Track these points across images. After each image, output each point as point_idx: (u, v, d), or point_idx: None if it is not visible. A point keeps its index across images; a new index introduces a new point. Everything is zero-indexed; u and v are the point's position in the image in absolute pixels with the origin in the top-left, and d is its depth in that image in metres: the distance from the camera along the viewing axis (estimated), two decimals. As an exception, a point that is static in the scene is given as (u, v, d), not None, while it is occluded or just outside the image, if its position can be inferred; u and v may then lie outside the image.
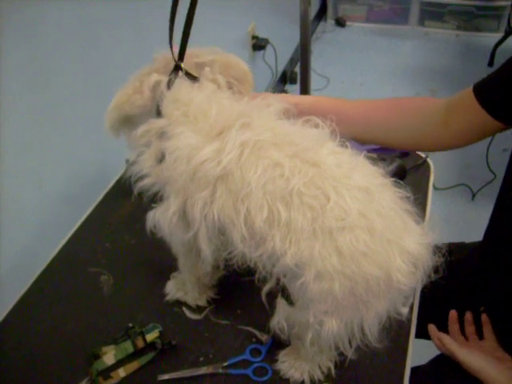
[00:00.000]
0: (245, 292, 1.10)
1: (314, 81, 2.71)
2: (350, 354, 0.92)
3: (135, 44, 1.48)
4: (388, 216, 0.82)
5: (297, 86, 3.20)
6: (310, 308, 0.83)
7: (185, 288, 1.09)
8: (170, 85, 0.92)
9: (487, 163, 2.52)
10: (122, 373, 0.98)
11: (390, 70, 3.72)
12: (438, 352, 1.14)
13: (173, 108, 0.88)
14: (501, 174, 1.11)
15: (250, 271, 0.88)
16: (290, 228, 0.77)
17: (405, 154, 1.48)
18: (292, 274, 0.83)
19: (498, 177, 2.48)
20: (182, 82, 0.92)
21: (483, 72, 1.07)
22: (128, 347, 0.99)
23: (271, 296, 0.90)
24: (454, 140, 1.06)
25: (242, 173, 0.79)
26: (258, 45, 2.70)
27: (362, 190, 0.80)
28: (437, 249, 0.86)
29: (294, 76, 3.38)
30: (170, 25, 0.93)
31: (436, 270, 0.86)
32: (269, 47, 2.79)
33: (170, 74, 0.94)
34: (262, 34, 2.74)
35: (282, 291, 0.88)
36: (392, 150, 1.46)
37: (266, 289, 0.90)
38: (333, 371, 0.97)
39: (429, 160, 1.46)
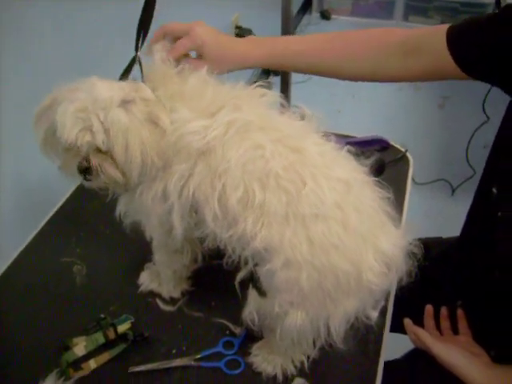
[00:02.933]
0: (220, 285, 1.08)
1: (296, 73, 2.70)
2: (313, 352, 0.92)
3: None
4: (365, 212, 0.82)
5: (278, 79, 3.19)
6: (276, 297, 0.83)
7: (159, 279, 1.08)
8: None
9: (467, 159, 2.53)
10: (92, 364, 0.97)
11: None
12: (412, 346, 1.14)
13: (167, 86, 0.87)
14: (481, 170, 1.11)
15: (220, 255, 0.88)
16: (264, 210, 0.77)
17: (384, 148, 1.48)
18: (260, 258, 0.82)
19: (477, 173, 2.49)
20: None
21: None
22: (99, 338, 0.97)
23: (245, 287, 0.89)
24: (409, 75, 1.03)
25: (224, 150, 0.79)
26: (241, 35, 2.67)
27: (342, 182, 0.80)
28: (412, 253, 0.86)
29: (278, 68, 3.36)
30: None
31: (409, 274, 0.86)
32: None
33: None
34: (245, 24, 2.71)
35: (253, 281, 0.87)
36: (371, 143, 1.46)
37: (239, 277, 0.89)
38: (306, 365, 0.96)
39: (408, 154, 1.46)
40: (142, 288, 1.10)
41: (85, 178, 0.85)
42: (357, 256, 0.79)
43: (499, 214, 0.99)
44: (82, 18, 1.47)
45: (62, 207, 1.31)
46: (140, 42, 0.92)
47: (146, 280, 1.10)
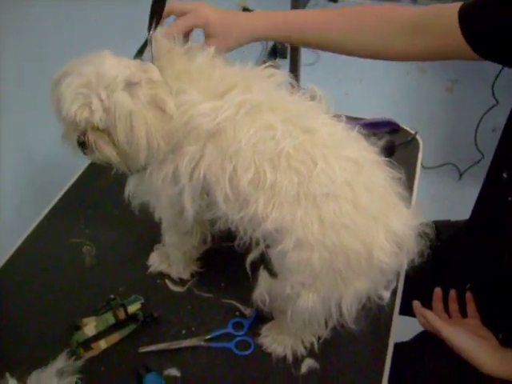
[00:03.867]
0: (229, 266, 1.08)
1: (305, 55, 2.68)
2: (325, 333, 0.92)
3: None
4: (376, 192, 0.81)
5: (287, 61, 3.16)
6: (287, 278, 0.83)
7: (168, 260, 1.08)
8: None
9: (475, 143, 2.51)
10: (103, 344, 0.97)
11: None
12: (421, 329, 1.14)
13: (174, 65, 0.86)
14: (489, 155, 1.10)
15: (231, 236, 0.88)
16: (275, 191, 0.77)
17: (394, 131, 1.46)
18: (272, 240, 0.82)
19: (486, 157, 2.48)
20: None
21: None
22: (109, 318, 0.97)
23: (256, 269, 0.89)
24: (416, 53, 1.02)
25: (235, 131, 0.79)
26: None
27: (352, 162, 0.80)
28: (423, 233, 0.85)
29: (284, 50, 3.33)
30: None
31: (421, 254, 0.86)
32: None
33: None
34: (252, 6, 2.69)
35: (264, 262, 0.87)
36: (381, 125, 1.45)
37: (250, 258, 0.89)
38: (316, 346, 0.96)
39: (418, 137, 1.45)
40: (152, 269, 1.10)
41: (82, 152, 0.87)
42: (368, 236, 0.79)
43: (509, 199, 0.98)
44: (82, 17, 1.46)
45: (70, 187, 1.31)
46: (154, 22, 0.91)
47: (156, 261, 1.10)
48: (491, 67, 2.16)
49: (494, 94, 2.25)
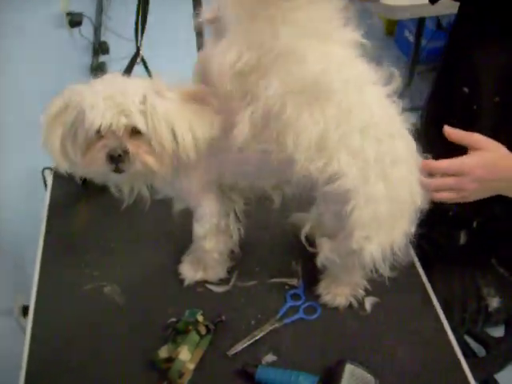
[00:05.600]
0: (255, 250, 1.15)
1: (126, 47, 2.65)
2: (387, 272, 1.03)
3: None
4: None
5: (109, 56, 3.10)
6: (353, 236, 0.92)
7: (201, 267, 1.10)
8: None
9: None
10: (190, 365, 0.97)
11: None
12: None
13: None
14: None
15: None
16: (359, 155, 0.84)
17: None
18: (339, 198, 0.89)
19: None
20: None
21: None
22: (194, 337, 0.98)
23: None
24: None
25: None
26: (75, 21, 2.54)
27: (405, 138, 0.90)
28: None
29: (105, 46, 3.24)
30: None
31: None
32: (86, 21, 2.63)
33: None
34: (76, 9, 2.58)
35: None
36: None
37: (304, 231, 0.98)
38: (368, 287, 1.08)
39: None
40: (188, 281, 1.11)
41: (116, 169, 0.85)
42: (412, 186, 0.90)
43: (474, 107, 1.11)
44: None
45: (46, 239, 1.22)
46: (140, 39, 0.91)
47: (190, 272, 1.11)
48: None
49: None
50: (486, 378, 1.92)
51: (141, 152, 0.84)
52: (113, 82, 0.84)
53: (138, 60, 0.90)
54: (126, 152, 0.83)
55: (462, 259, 1.26)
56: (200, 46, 1.71)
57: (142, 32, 0.91)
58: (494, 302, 1.25)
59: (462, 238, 1.10)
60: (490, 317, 1.26)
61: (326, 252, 0.97)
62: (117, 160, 0.83)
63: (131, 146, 0.83)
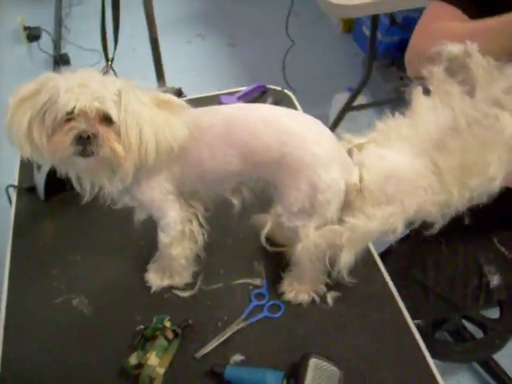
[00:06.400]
0: (219, 253, 1.18)
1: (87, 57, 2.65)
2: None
3: None
4: None
5: (70, 68, 3.09)
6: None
7: (167, 273, 1.12)
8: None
9: (286, 82, 2.77)
10: (160, 370, 0.99)
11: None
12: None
13: None
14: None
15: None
16: None
17: (264, 92, 1.62)
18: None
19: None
20: None
21: None
22: (163, 343, 1.00)
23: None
24: None
25: None
26: (33, 35, 2.54)
27: None
28: None
29: (66, 57, 3.23)
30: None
31: None
32: (44, 34, 2.63)
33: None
34: (33, 23, 2.57)
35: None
36: (254, 91, 1.60)
37: (264, 231, 1.02)
38: (329, 281, 1.12)
39: (286, 91, 1.63)
40: (155, 288, 1.13)
41: (82, 152, 0.86)
42: None
43: None
44: None
45: (13, 258, 1.23)
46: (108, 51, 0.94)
47: (156, 279, 1.13)
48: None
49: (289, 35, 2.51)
50: (485, 359, 2.00)
51: (110, 138, 0.86)
52: (89, 75, 0.87)
53: (108, 69, 0.93)
54: (95, 135, 0.85)
55: (466, 239, 1.34)
56: (157, 56, 1.72)
57: (116, 42, 0.94)
58: (495, 280, 1.31)
59: (466, 220, 1.18)
60: (491, 294, 1.33)
61: (304, 243, 0.99)
62: (85, 142, 0.85)
63: (101, 130, 0.86)
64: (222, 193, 1.04)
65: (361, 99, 2.69)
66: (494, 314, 1.99)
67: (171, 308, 1.11)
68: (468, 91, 0.98)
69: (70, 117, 0.85)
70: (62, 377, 1.02)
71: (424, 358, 1.04)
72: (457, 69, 1.00)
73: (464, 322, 2.06)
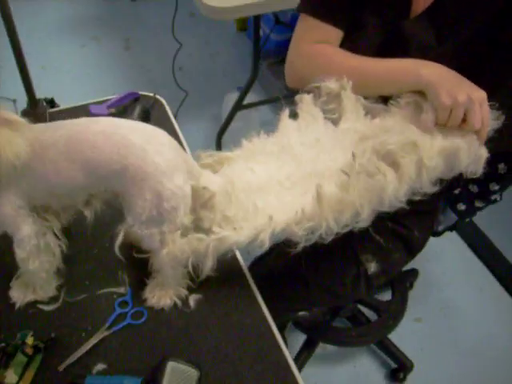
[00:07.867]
0: (82, 264, 1.20)
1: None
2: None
3: None
4: None
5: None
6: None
7: (30, 288, 1.13)
8: None
9: (177, 84, 2.79)
10: (22, 387, 1.01)
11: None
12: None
13: None
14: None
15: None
16: None
17: (136, 99, 1.65)
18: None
19: (190, 93, 2.78)
20: None
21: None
22: (22, 359, 1.01)
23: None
24: None
25: None
26: None
27: None
28: None
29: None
30: None
31: None
32: None
33: None
34: None
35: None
36: (126, 98, 1.62)
37: (118, 242, 1.05)
38: (191, 284, 1.17)
39: (158, 97, 1.66)
40: (20, 304, 1.13)
41: None
42: None
43: None
44: None
45: None
46: None
47: (20, 294, 1.14)
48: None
49: (175, 38, 2.54)
50: (380, 339, 2.12)
51: None
52: None
53: None
54: None
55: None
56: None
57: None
58: (372, 267, 1.40)
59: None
60: (371, 280, 1.42)
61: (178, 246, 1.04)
62: None
63: None
64: (75, 205, 1.06)
65: (253, 97, 2.76)
66: (386, 296, 2.12)
67: (36, 323, 1.12)
68: (336, 119, 1.11)
69: None
70: None
71: (284, 356, 1.10)
72: (331, 98, 1.12)
73: (360, 306, 2.19)
